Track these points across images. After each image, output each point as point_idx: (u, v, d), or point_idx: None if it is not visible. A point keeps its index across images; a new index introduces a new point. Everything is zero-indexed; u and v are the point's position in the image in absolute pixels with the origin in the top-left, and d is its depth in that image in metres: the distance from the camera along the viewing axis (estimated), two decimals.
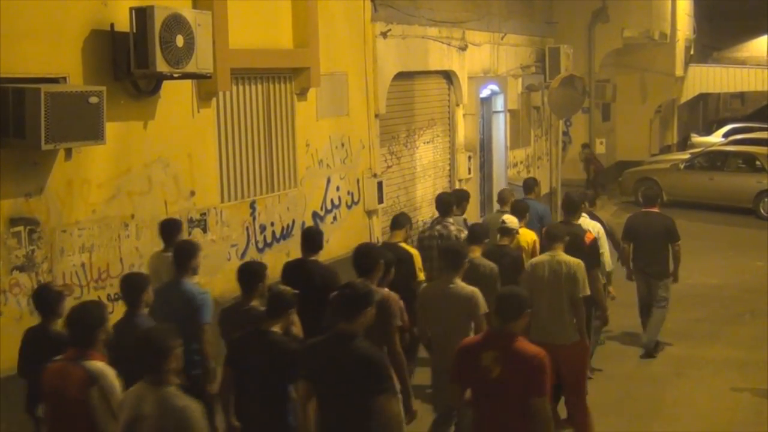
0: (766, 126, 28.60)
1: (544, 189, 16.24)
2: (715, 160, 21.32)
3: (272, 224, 10.74)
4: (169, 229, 8.25)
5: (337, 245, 11.80)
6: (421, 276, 8.32)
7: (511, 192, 11.01)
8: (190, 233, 9.36)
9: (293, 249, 10.97)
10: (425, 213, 14.70)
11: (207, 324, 7.00)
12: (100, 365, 5.19)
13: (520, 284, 7.30)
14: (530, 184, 11.61)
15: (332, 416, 5.40)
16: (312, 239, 7.94)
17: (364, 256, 6.87)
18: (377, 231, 13.03)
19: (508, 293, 5.64)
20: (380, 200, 12.76)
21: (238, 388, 5.86)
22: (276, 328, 5.85)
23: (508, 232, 8.80)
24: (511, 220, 9.00)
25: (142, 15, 8.07)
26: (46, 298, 6.38)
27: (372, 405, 5.26)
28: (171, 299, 6.98)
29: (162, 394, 4.78)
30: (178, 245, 7.57)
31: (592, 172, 21.86)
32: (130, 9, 8.14)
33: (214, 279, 9.58)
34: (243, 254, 10.12)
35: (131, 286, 6.48)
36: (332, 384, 5.34)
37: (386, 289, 6.89)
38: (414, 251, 8.38)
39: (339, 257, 10.52)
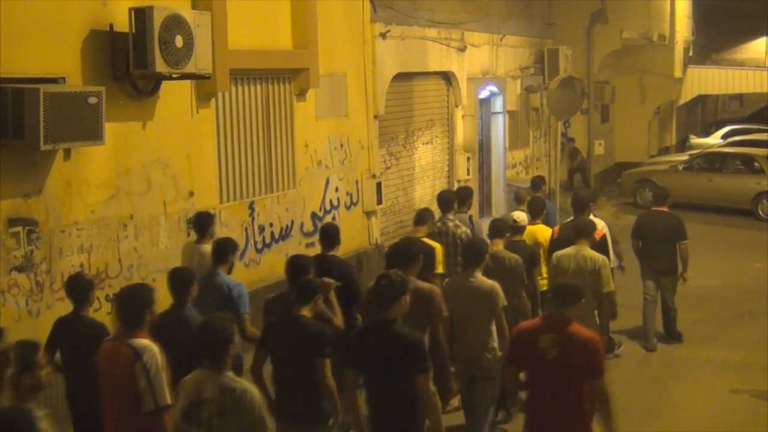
0: (764, 127, 28.57)
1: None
2: (713, 161, 21.31)
3: (271, 225, 10.74)
4: (202, 221, 8.57)
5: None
6: (440, 269, 8.48)
7: (527, 191, 11.22)
8: (188, 234, 9.36)
9: (292, 250, 10.97)
10: None
11: (247, 314, 7.24)
12: (144, 342, 5.49)
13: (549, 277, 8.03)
14: (538, 182, 11.85)
15: (378, 396, 5.76)
16: (330, 235, 8.20)
17: (406, 249, 7.21)
18: (376, 232, 13.04)
19: (566, 282, 6.24)
20: (379, 201, 12.76)
21: (274, 370, 6.13)
22: (305, 313, 6.12)
23: (519, 230, 9.05)
24: (520, 217, 9.25)
25: (141, 15, 8.07)
26: (78, 286, 6.60)
27: (412, 384, 5.59)
28: (207, 291, 7.10)
29: (223, 379, 5.02)
30: (218, 241, 7.84)
31: (576, 166, 21.80)
32: (130, 9, 8.13)
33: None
34: (242, 255, 10.12)
35: (180, 280, 6.64)
36: (376, 367, 5.70)
37: (427, 284, 7.24)
38: (437, 245, 8.56)
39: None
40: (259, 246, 10.51)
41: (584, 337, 5.67)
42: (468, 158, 15.88)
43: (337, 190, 12.08)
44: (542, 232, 9.55)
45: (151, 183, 8.87)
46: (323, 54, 11.36)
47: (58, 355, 6.46)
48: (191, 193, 9.41)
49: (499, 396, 7.58)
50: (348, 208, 12.33)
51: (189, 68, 8.45)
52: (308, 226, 11.46)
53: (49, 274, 7.77)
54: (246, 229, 10.28)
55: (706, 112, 38.95)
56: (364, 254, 12.39)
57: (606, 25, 21.28)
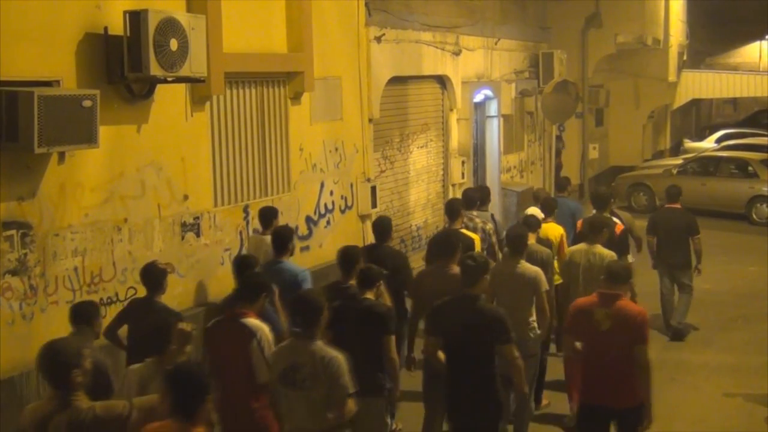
0: (758, 132, 28.71)
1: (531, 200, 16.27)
2: (707, 165, 21.38)
3: None
4: (267, 214, 9.52)
5: (330, 250, 11.78)
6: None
7: (544, 191, 12.46)
8: (183, 237, 9.35)
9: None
10: (418, 218, 14.71)
11: None
12: (257, 322, 6.26)
13: (561, 271, 8.96)
14: (563, 183, 12.99)
15: (461, 363, 6.55)
16: (383, 228, 9.06)
17: (447, 240, 7.96)
18: (371, 235, 13.03)
19: (616, 264, 7.20)
20: (374, 205, 12.76)
21: (339, 347, 6.40)
22: (369, 296, 6.90)
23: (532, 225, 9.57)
24: (535, 213, 9.94)
25: (136, 19, 8.05)
26: (153, 274, 7.26)
27: (495, 352, 6.49)
28: (275, 278, 7.55)
29: (314, 346, 5.71)
30: (276, 230, 8.58)
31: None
32: (124, 12, 8.12)
33: (208, 283, 9.57)
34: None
35: (245, 265, 7.57)
36: (461, 337, 6.50)
37: None
38: (475, 236, 9.22)
39: (332, 262, 10.48)
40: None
41: (632, 311, 6.58)
42: (463, 162, 15.89)
43: (331, 193, 12.07)
44: (553, 230, 9.95)
45: (145, 186, 8.86)
46: (318, 57, 11.36)
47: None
48: (186, 197, 9.39)
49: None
50: (343, 211, 12.33)
51: (184, 71, 8.43)
52: (303, 230, 11.45)
53: (43, 277, 7.75)
54: (240, 233, 10.27)
55: (700, 116, 39.04)
56: None
57: (600, 29, 21.32)
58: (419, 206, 14.80)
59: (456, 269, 7.36)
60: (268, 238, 8.85)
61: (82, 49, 8.01)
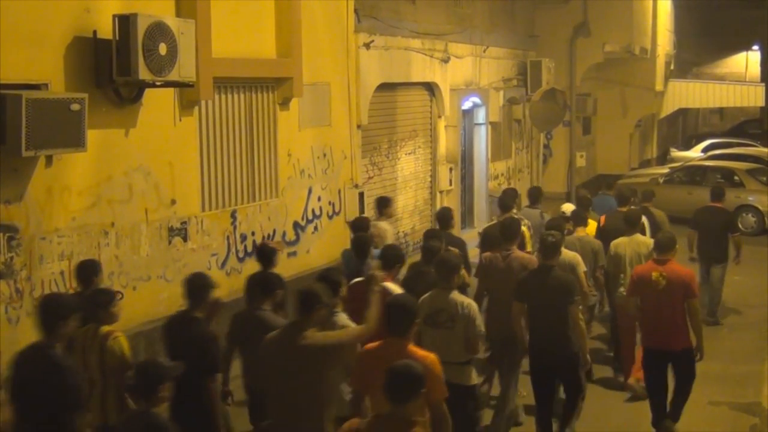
0: (744, 141, 28.86)
1: (525, 201, 16.30)
2: (694, 174, 21.45)
3: (253, 234, 10.71)
4: (382, 203, 10.93)
5: (318, 255, 11.79)
6: (529, 248, 10.01)
7: (583, 189, 13.91)
8: (170, 242, 9.33)
9: None
10: (406, 224, 14.71)
11: None
12: (394, 285, 7.39)
13: (607, 263, 10.01)
14: (611, 182, 14.88)
15: (541, 322, 7.84)
16: (445, 217, 10.17)
17: (510, 226, 8.88)
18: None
19: (663, 235, 8.65)
20: (361, 211, 12.75)
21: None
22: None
23: (567, 220, 10.61)
24: (568, 208, 11.49)
25: (125, 22, 8.05)
26: (265, 253, 8.07)
27: (567, 312, 7.73)
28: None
29: (451, 295, 7.12)
30: (355, 240, 8.94)
31: None
32: (113, 16, 8.12)
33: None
34: (223, 264, 10.09)
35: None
36: (540, 300, 7.78)
37: (527, 254, 9.05)
38: (525, 229, 10.02)
39: (319, 267, 10.50)
40: (241, 255, 10.48)
41: (682, 271, 8.29)
42: (450, 169, 15.92)
43: (319, 199, 12.07)
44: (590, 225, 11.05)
45: (132, 190, 8.84)
46: (307, 63, 11.37)
47: None
48: (173, 201, 9.38)
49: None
50: (330, 217, 12.33)
51: (172, 76, 8.44)
52: (290, 235, 11.44)
53: (30, 281, 7.72)
54: (228, 238, 10.26)
55: (686, 126, 39.22)
56: None
57: (588, 38, 21.40)
58: (407, 213, 14.81)
59: (518, 252, 8.69)
60: (381, 224, 10.32)
61: (71, 52, 8.00)
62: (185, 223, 9.57)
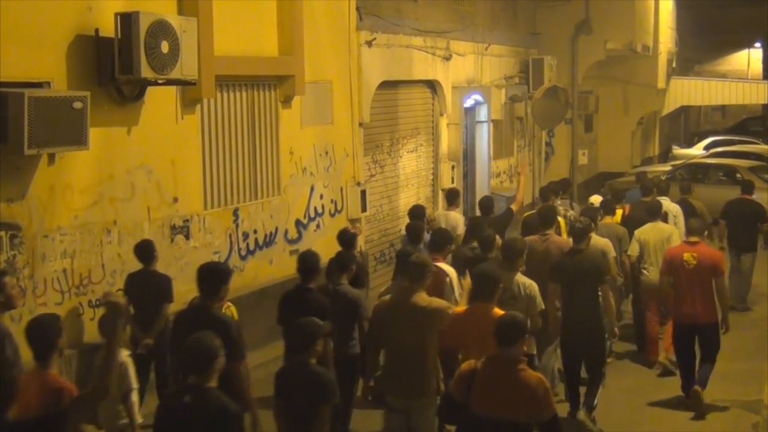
0: (746, 139, 28.81)
1: (528, 199, 16.31)
2: (696, 172, 21.41)
3: (255, 232, 10.72)
4: (452, 193, 12.29)
5: (320, 253, 11.75)
6: (564, 236, 10.46)
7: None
8: (172, 240, 9.34)
9: (276, 257, 10.97)
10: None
11: None
12: (447, 266, 8.14)
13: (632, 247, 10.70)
14: (642, 178, 15.48)
15: (573, 300, 8.49)
16: (487, 205, 11.13)
17: (547, 213, 9.78)
18: (360, 239, 13.02)
19: (695, 221, 9.74)
20: (363, 209, 12.76)
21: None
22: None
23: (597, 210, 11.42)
24: (596, 199, 12.51)
25: (127, 21, 8.06)
26: (346, 237, 9.27)
27: (598, 291, 8.44)
28: None
29: (515, 277, 7.77)
30: (410, 225, 9.93)
31: None
32: (116, 14, 8.12)
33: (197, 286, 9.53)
34: (225, 261, 10.09)
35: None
36: (573, 280, 8.47)
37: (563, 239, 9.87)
38: (561, 219, 10.92)
39: (321, 265, 10.48)
40: (243, 253, 10.49)
41: (711, 252, 9.32)
42: (452, 167, 15.91)
43: (321, 197, 12.07)
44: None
45: (135, 189, 8.85)
46: (309, 61, 11.37)
47: None
48: (175, 199, 9.39)
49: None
50: (332, 215, 12.33)
51: (174, 74, 8.44)
52: (292, 233, 11.45)
53: (32, 279, 7.74)
54: (230, 236, 10.27)
55: (688, 123, 39.18)
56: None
57: (590, 35, 21.38)
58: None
59: (555, 236, 9.52)
60: (451, 214, 11.51)
61: (73, 50, 8.01)
62: (187, 221, 9.58)
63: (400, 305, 6.70)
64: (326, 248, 11.83)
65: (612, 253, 9.77)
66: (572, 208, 12.13)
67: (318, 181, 11.97)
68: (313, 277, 7.59)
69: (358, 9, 12.57)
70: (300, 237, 11.59)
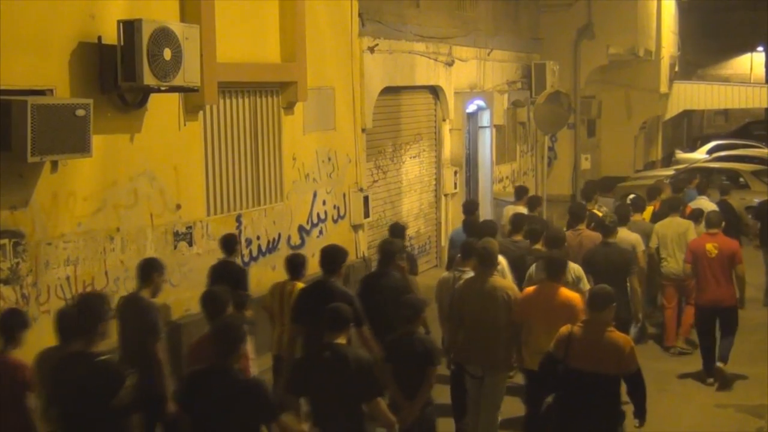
0: (749, 143, 28.79)
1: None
2: (699, 176, 21.38)
3: (258, 238, 10.73)
4: (521, 189, 13.22)
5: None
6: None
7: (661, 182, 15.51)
8: (175, 246, 9.35)
9: (279, 263, 10.92)
10: (411, 228, 14.68)
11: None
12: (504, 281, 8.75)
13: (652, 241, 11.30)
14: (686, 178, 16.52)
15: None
16: (533, 203, 12.23)
17: (576, 212, 10.71)
18: (363, 245, 13.04)
19: (715, 214, 10.70)
20: (366, 214, 12.77)
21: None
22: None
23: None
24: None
25: (129, 28, 8.07)
26: (397, 229, 10.15)
27: (627, 281, 9.23)
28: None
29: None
30: (467, 221, 10.98)
31: None
32: (118, 22, 8.13)
33: (200, 292, 9.51)
34: None
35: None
36: (603, 271, 8.93)
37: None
38: (597, 211, 11.93)
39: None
40: (246, 259, 10.49)
41: (730, 242, 10.25)
42: (455, 172, 15.91)
43: (324, 203, 12.08)
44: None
45: (138, 195, 8.86)
46: (311, 67, 11.38)
47: None
48: (178, 206, 9.39)
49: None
50: (335, 221, 12.33)
51: (177, 81, 8.45)
52: (295, 240, 11.45)
53: (35, 286, 7.74)
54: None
55: (691, 127, 39.14)
56: (351, 267, 12.35)
57: (593, 40, 21.41)
58: (411, 216, 14.81)
59: (587, 231, 10.28)
60: (517, 207, 12.27)
61: (76, 58, 8.02)
62: (190, 227, 9.58)
63: (476, 287, 7.68)
64: None
65: (641, 247, 10.45)
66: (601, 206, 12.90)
67: (321, 187, 11.97)
68: (338, 272, 7.91)
69: (360, 15, 12.59)
70: (303, 243, 11.59)
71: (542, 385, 6.97)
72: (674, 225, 11.37)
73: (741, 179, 20.55)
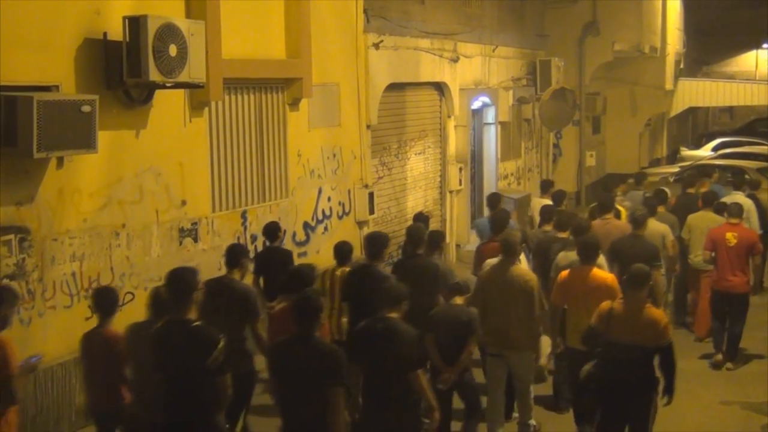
0: (755, 140, 28.73)
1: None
2: (704, 173, 21.35)
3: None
4: (547, 183, 13.89)
5: (328, 256, 11.74)
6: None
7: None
8: (181, 243, 9.36)
9: None
10: None
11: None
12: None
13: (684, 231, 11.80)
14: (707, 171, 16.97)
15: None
16: (559, 197, 12.41)
17: (603, 203, 11.01)
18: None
19: (735, 205, 11.02)
20: (371, 211, 12.77)
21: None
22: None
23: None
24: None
25: (135, 24, 8.08)
26: (422, 218, 10.75)
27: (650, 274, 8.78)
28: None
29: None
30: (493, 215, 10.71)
31: None
32: (124, 18, 8.14)
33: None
34: None
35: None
36: (627, 262, 8.32)
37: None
38: (621, 207, 11.98)
39: (329, 268, 10.48)
40: (252, 255, 10.47)
41: (749, 232, 10.91)
42: (460, 169, 15.90)
43: (329, 199, 12.08)
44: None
45: (143, 192, 8.87)
46: (316, 64, 11.38)
47: None
48: (184, 202, 9.40)
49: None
50: (340, 217, 12.34)
51: (183, 77, 8.46)
52: (300, 236, 11.46)
53: (41, 282, 7.75)
54: (238, 238, 10.27)
55: (696, 125, 39.08)
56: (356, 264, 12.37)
57: (598, 37, 21.36)
58: (417, 212, 14.78)
59: (614, 220, 10.65)
60: (542, 200, 12.47)
61: (82, 54, 8.03)
62: (196, 223, 9.59)
63: (500, 275, 8.14)
64: None
65: (670, 236, 10.84)
66: (645, 198, 12.92)
67: (326, 183, 11.98)
68: (380, 257, 8.49)
69: (365, 11, 12.58)
70: (308, 239, 11.60)
71: (585, 357, 7.51)
72: (707, 219, 11.65)
73: (746, 176, 20.51)
